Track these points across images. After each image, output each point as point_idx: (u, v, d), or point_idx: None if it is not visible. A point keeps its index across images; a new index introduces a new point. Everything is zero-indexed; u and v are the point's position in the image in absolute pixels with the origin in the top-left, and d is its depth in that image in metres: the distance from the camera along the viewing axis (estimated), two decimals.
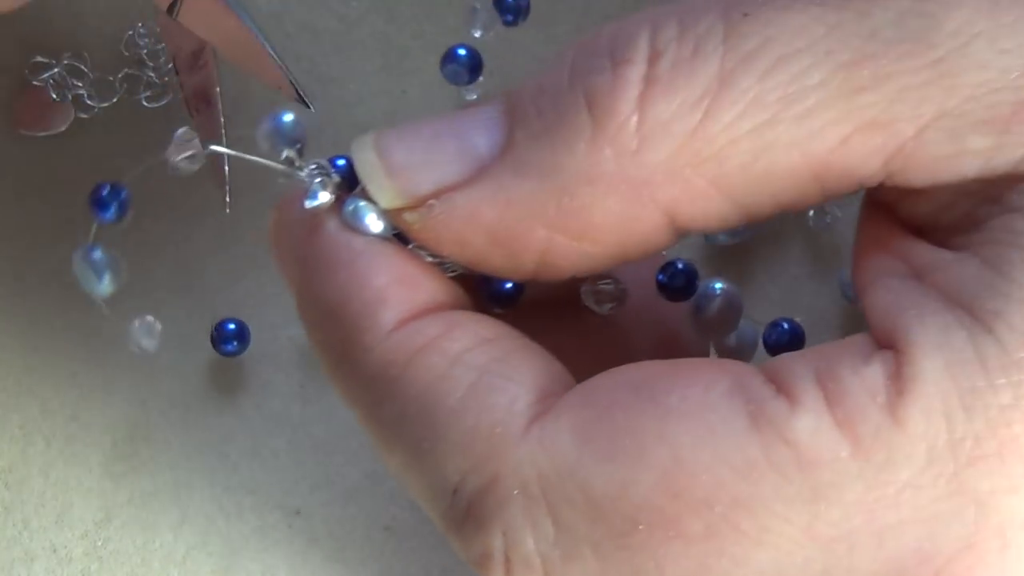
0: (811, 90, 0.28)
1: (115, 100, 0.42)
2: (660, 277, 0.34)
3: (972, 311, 0.27)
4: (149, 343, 0.40)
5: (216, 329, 0.41)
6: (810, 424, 0.26)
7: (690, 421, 0.27)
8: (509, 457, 0.28)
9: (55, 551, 0.40)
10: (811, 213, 0.41)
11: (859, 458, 0.26)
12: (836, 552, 0.26)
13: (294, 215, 0.31)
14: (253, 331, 0.41)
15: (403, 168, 0.30)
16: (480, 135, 0.29)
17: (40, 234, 0.42)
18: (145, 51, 0.42)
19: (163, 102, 0.42)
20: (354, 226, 0.30)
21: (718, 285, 0.34)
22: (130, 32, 0.43)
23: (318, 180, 0.31)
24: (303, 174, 0.31)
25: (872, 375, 0.27)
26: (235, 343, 0.41)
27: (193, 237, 0.42)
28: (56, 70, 0.42)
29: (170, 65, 0.42)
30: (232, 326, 0.41)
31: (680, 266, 0.34)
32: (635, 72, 0.28)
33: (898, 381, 0.26)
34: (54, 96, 0.42)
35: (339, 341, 0.30)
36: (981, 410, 0.26)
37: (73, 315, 0.42)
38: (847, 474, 0.26)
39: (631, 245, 0.29)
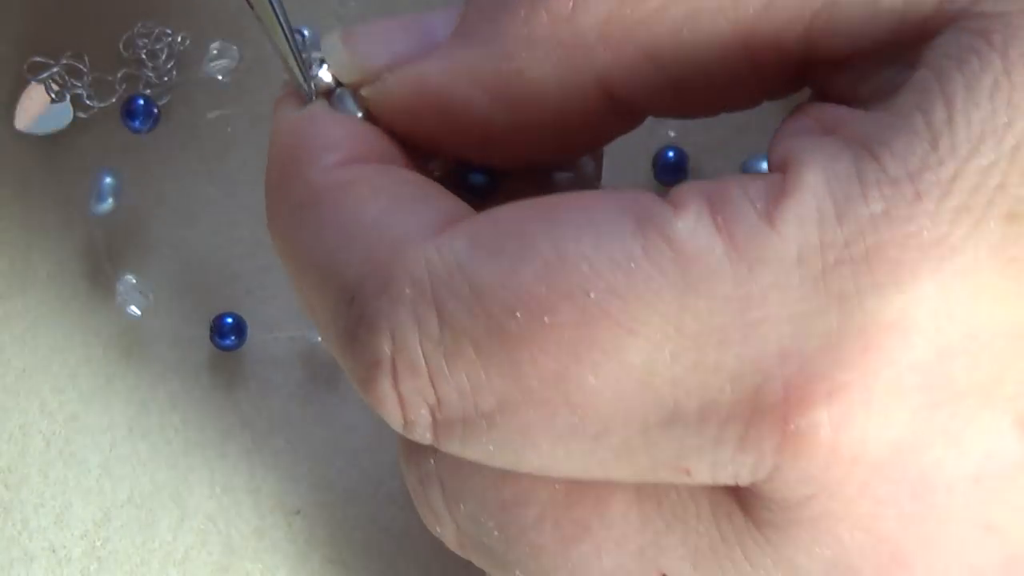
0: None
1: (114, 100, 0.42)
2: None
3: (864, 144, 0.27)
4: (138, 300, 0.40)
5: (213, 323, 0.41)
6: (690, 224, 0.27)
7: (578, 222, 0.28)
8: (407, 259, 0.28)
9: (54, 551, 0.40)
10: None
11: (732, 256, 0.27)
12: (703, 347, 0.27)
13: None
14: (252, 331, 0.41)
15: (362, 46, 0.32)
16: (439, 23, 0.32)
17: (40, 234, 0.42)
18: (144, 51, 0.42)
19: (162, 102, 0.42)
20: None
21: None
22: (129, 32, 0.43)
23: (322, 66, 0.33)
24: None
25: (755, 188, 0.27)
26: (233, 337, 0.41)
27: (191, 236, 0.42)
28: (55, 69, 0.42)
29: (170, 65, 0.42)
30: (229, 320, 0.41)
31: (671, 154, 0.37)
32: None
33: (778, 191, 0.27)
34: (53, 96, 0.42)
35: (284, 173, 0.32)
36: (852, 218, 0.26)
37: (73, 315, 0.42)
38: (719, 270, 0.27)
39: (572, 121, 0.31)
